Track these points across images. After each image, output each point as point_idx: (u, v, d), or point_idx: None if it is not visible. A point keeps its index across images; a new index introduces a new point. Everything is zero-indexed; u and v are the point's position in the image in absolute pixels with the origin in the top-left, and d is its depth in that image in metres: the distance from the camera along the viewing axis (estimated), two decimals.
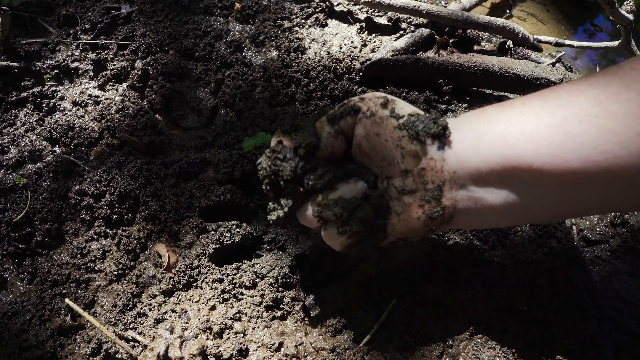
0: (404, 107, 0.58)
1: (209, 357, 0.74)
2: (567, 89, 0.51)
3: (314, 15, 1.23)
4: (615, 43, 1.31)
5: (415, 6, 1.20)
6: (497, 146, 0.52)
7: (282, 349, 0.77)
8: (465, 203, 0.56)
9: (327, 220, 0.58)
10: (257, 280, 0.82)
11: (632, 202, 0.53)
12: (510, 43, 1.30)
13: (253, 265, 0.83)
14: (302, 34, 1.20)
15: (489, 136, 0.53)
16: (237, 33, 1.17)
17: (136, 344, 0.77)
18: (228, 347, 0.75)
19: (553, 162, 0.49)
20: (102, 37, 1.11)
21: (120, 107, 1.01)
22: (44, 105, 1.01)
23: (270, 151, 0.61)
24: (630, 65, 0.50)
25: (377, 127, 0.57)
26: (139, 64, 1.09)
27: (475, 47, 1.30)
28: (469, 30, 1.30)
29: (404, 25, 1.27)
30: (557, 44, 1.36)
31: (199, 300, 0.80)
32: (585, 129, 0.48)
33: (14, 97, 1.01)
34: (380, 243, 0.61)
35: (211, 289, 0.81)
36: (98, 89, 1.05)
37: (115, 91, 1.06)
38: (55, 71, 1.05)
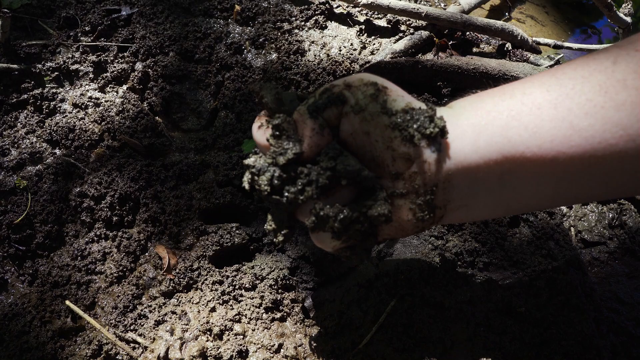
0: (397, 99, 0.51)
1: (209, 358, 0.75)
2: (569, 74, 0.48)
3: (314, 18, 1.24)
4: None
5: (414, 8, 1.20)
6: (497, 142, 0.49)
7: (282, 350, 0.77)
8: (459, 202, 0.53)
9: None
10: (257, 282, 0.82)
11: (629, 189, 0.52)
12: (509, 45, 1.30)
13: (253, 267, 0.84)
14: (301, 36, 1.20)
15: (489, 131, 0.49)
16: (237, 35, 1.18)
17: (136, 346, 0.77)
18: (228, 349, 0.75)
19: (557, 158, 0.47)
20: (102, 39, 1.12)
21: (120, 109, 1.01)
22: (44, 107, 1.01)
23: (246, 166, 0.54)
24: (634, 46, 0.46)
25: (367, 124, 0.51)
26: (139, 66, 1.10)
27: (474, 50, 1.31)
28: (468, 33, 1.30)
29: (403, 27, 1.27)
30: (556, 46, 1.37)
31: (199, 302, 0.80)
32: (591, 122, 0.45)
33: (15, 99, 1.01)
34: (372, 247, 0.58)
35: (211, 290, 0.81)
36: (98, 91, 1.06)
37: (115, 93, 1.06)
38: (56, 73, 1.06)
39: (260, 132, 0.56)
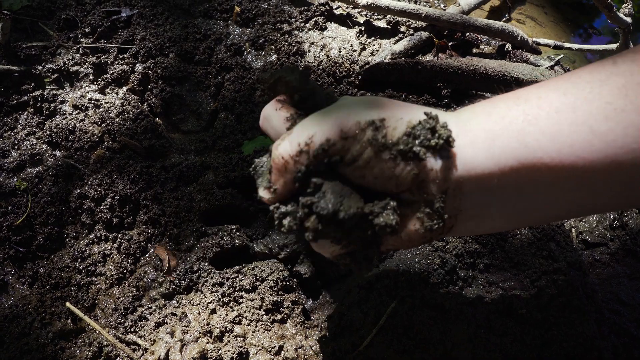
0: (397, 126, 0.47)
1: None
2: (586, 78, 0.46)
3: (314, 19, 1.24)
4: (614, 46, 1.31)
5: (414, 9, 1.20)
6: (513, 148, 0.46)
7: (282, 352, 0.77)
8: (470, 211, 0.50)
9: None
10: (257, 283, 0.82)
11: None
12: (509, 46, 1.30)
13: (253, 269, 0.84)
14: (301, 37, 1.20)
15: (504, 137, 0.47)
16: (236, 36, 1.18)
17: (137, 348, 0.77)
18: (228, 351, 0.75)
19: (576, 164, 0.45)
20: (102, 40, 1.12)
21: (120, 110, 1.01)
22: (44, 108, 1.01)
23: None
24: None
25: (361, 170, 0.48)
26: (139, 67, 1.10)
27: (474, 50, 1.31)
28: (467, 34, 1.30)
29: (403, 28, 1.27)
30: (556, 47, 1.37)
31: (199, 304, 0.80)
32: (611, 126, 0.43)
33: (15, 101, 1.01)
34: (374, 256, 0.55)
35: (211, 292, 0.81)
36: (98, 93, 1.06)
37: (115, 95, 1.06)
38: (56, 75, 1.06)
39: (279, 114, 0.52)
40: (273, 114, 0.53)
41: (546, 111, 0.46)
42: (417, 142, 0.46)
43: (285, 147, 0.48)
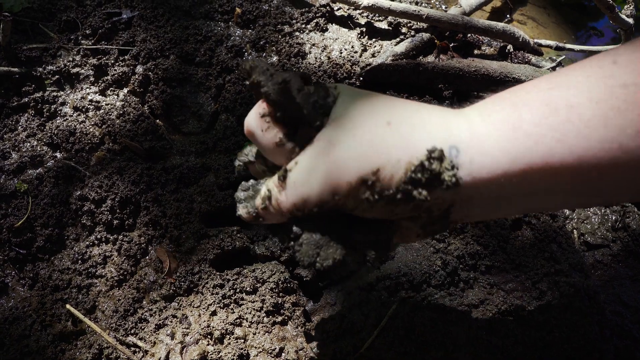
0: (394, 173, 0.43)
1: None
2: (609, 73, 0.42)
3: (315, 20, 1.24)
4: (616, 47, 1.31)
5: (415, 11, 1.20)
6: (535, 164, 0.43)
7: (283, 354, 0.77)
8: (476, 217, 0.49)
9: None
10: (258, 285, 0.82)
11: None
12: (510, 47, 1.30)
13: (254, 271, 0.83)
14: (302, 38, 1.20)
15: (523, 152, 0.43)
16: (237, 38, 1.17)
17: (137, 350, 0.77)
18: (229, 353, 0.75)
19: (591, 174, 0.43)
20: (103, 42, 1.12)
21: (121, 112, 1.01)
22: (45, 110, 1.01)
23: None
24: None
25: (360, 214, 0.46)
26: (139, 69, 1.09)
27: (476, 52, 1.30)
28: (469, 35, 1.30)
29: (404, 29, 1.27)
30: (558, 48, 1.37)
31: (199, 306, 0.80)
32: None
33: (15, 103, 1.01)
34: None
35: (212, 294, 0.81)
36: (99, 94, 1.06)
37: (116, 96, 1.06)
38: (56, 76, 1.06)
39: (267, 138, 0.49)
40: (259, 135, 0.50)
41: (577, 125, 0.42)
42: (418, 186, 0.41)
43: (283, 201, 0.47)
